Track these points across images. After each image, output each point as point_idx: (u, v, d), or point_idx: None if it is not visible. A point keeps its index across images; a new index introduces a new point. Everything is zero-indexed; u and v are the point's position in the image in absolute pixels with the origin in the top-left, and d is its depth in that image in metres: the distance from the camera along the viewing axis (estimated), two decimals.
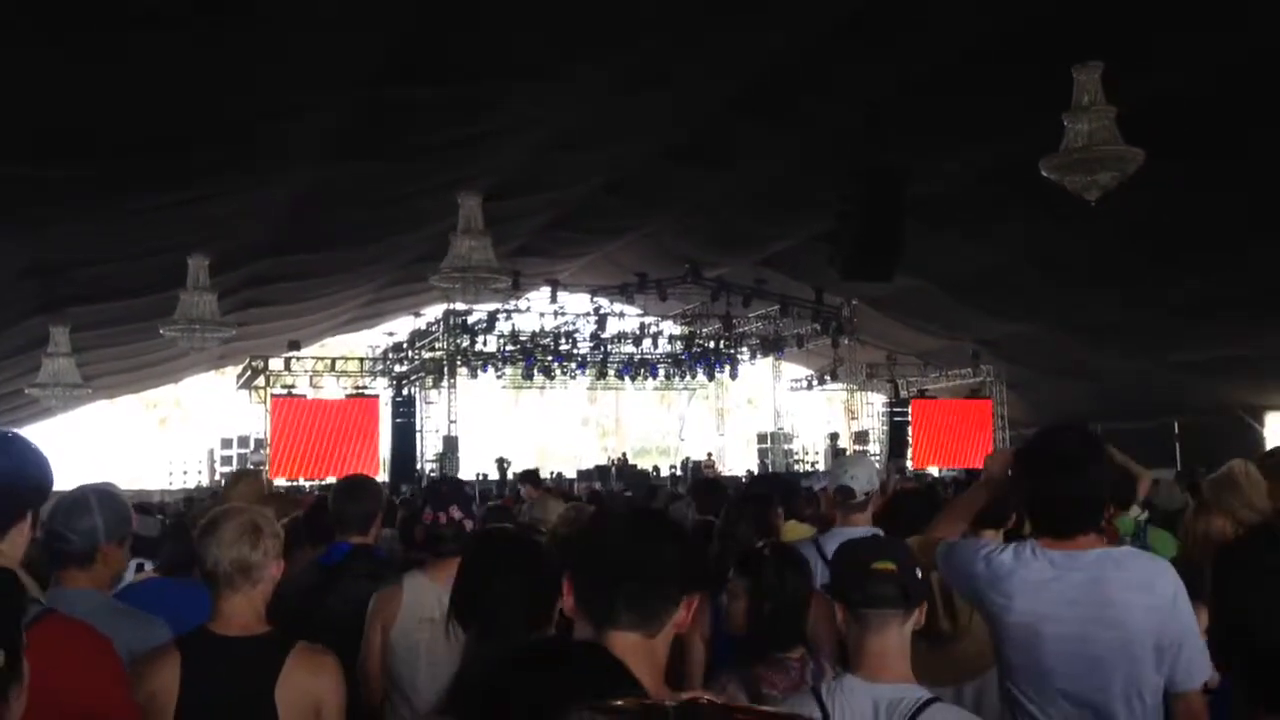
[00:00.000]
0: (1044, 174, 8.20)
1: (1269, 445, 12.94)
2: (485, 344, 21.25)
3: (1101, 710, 2.63)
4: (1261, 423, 18.07)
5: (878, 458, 23.16)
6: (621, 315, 22.28)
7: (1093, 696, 2.64)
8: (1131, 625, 2.61)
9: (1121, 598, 2.63)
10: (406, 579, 3.54)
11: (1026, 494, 2.91)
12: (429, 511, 3.75)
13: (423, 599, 3.37)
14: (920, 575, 2.55)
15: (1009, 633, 2.74)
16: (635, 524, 2.02)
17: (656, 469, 24.40)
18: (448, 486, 4.01)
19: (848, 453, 21.77)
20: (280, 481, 17.50)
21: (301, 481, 18.19)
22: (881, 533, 3.90)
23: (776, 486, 6.47)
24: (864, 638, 2.46)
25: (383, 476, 19.07)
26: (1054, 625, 2.66)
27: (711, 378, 25.75)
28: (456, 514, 3.65)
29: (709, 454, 25.74)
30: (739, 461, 29.40)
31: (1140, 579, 2.67)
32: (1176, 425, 19.51)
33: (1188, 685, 2.65)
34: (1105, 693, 2.62)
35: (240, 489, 5.03)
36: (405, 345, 22.13)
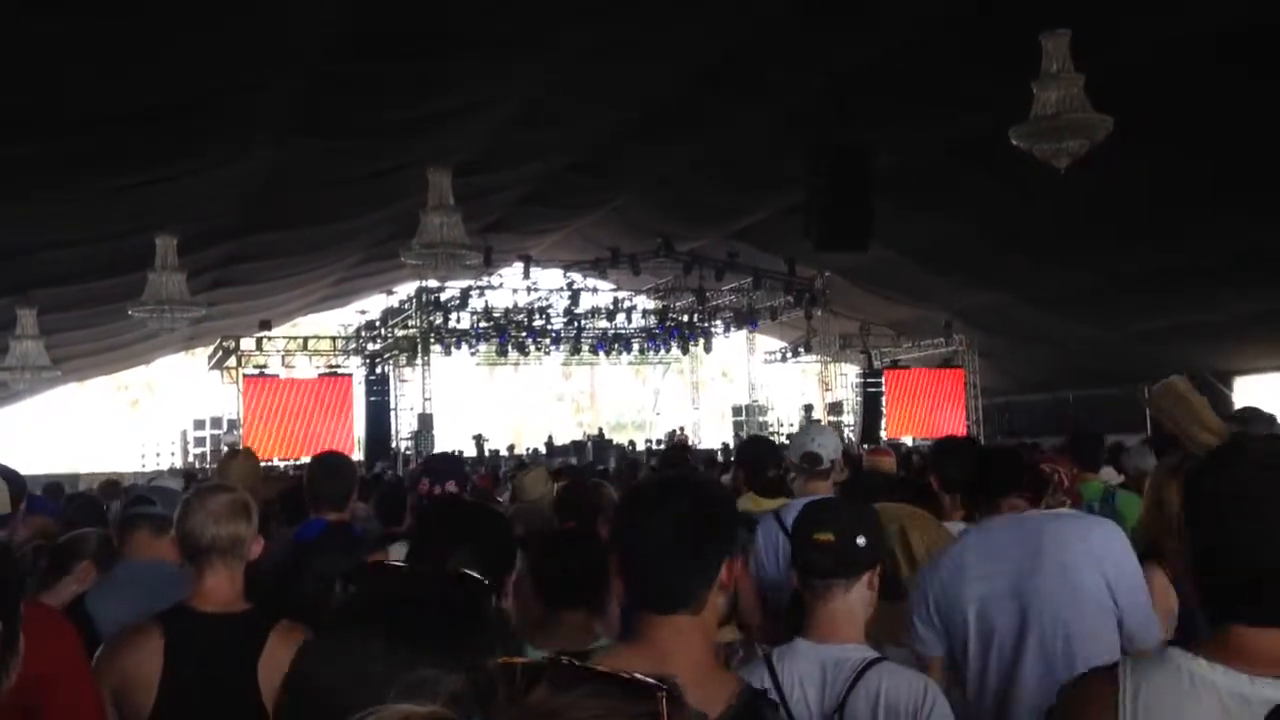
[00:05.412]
0: (1013, 142, 8.21)
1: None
2: (459, 321, 21.13)
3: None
4: (1230, 387, 18.21)
5: (851, 428, 23.30)
6: (595, 290, 22.24)
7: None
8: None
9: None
10: (392, 548, 3.53)
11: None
12: (425, 483, 3.77)
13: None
14: (870, 540, 2.54)
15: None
16: (661, 504, 1.91)
17: (633, 443, 24.45)
18: (445, 464, 4.09)
19: (822, 422, 21.89)
20: None
21: (276, 461, 18.09)
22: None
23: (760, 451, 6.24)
24: (812, 604, 2.52)
25: (358, 455, 19.01)
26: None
27: (686, 351, 25.77)
28: (453, 487, 3.67)
29: (680, 428, 25.88)
30: (714, 434, 29.49)
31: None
32: (1146, 391, 19.63)
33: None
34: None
35: (235, 468, 4.92)
36: (378, 323, 22.01)
